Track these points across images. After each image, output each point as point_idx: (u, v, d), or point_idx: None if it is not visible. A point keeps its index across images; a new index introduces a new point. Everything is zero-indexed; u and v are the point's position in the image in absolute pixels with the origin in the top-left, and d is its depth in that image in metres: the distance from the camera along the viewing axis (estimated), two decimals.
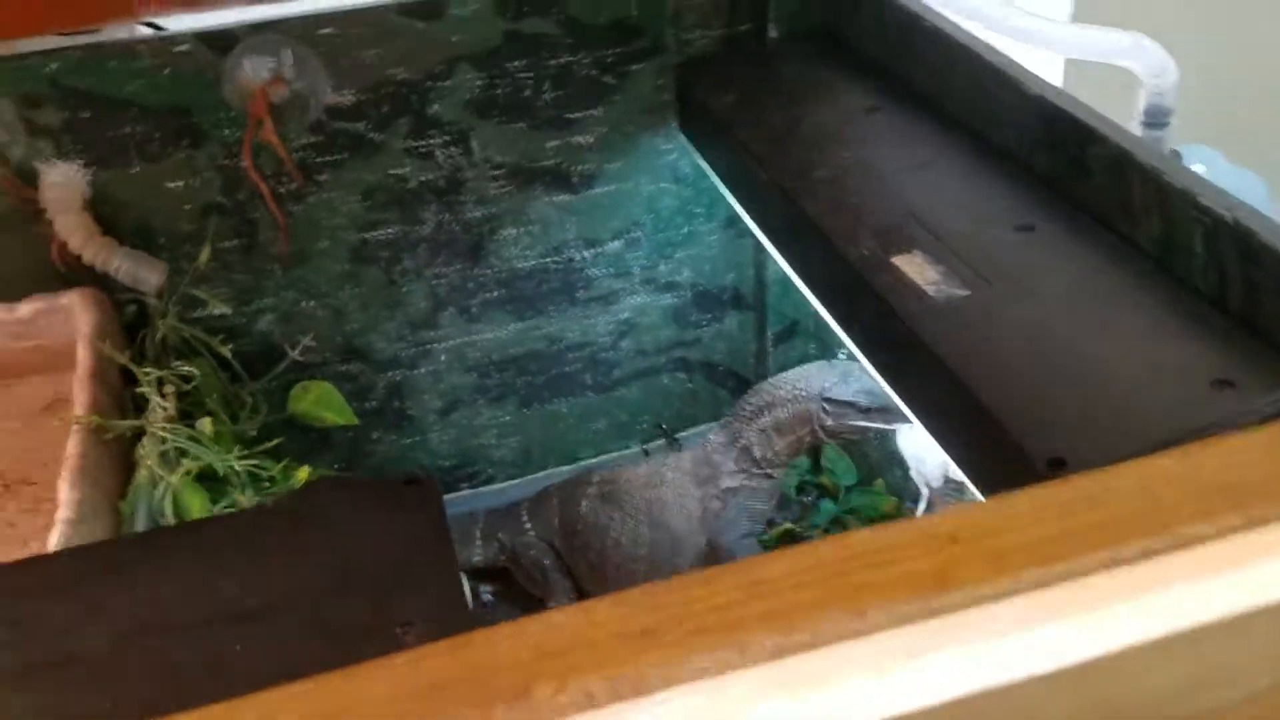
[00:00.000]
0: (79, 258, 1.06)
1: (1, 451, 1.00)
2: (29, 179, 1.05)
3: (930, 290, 0.70)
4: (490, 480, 1.44)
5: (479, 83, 1.13)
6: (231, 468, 0.90)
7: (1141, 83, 1.31)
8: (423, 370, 1.32)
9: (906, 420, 1.07)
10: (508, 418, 1.40)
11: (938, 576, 0.46)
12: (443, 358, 1.32)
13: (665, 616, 0.44)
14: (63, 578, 0.50)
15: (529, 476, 1.43)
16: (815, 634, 0.43)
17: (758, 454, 1.16)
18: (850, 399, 1.11)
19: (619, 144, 1.22)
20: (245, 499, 0.88)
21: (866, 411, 1.10)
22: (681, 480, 1.17)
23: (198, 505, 0.87)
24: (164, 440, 0.89)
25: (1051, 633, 0.43)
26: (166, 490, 0.85)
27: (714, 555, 1.18)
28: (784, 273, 1.33)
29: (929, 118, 0.91)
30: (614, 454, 1.45)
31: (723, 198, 1.29)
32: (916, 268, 0.73)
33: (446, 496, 1.42)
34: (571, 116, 1.18)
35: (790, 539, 1.26)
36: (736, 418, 1.19)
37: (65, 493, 0.84)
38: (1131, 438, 0.58)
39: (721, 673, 0.43)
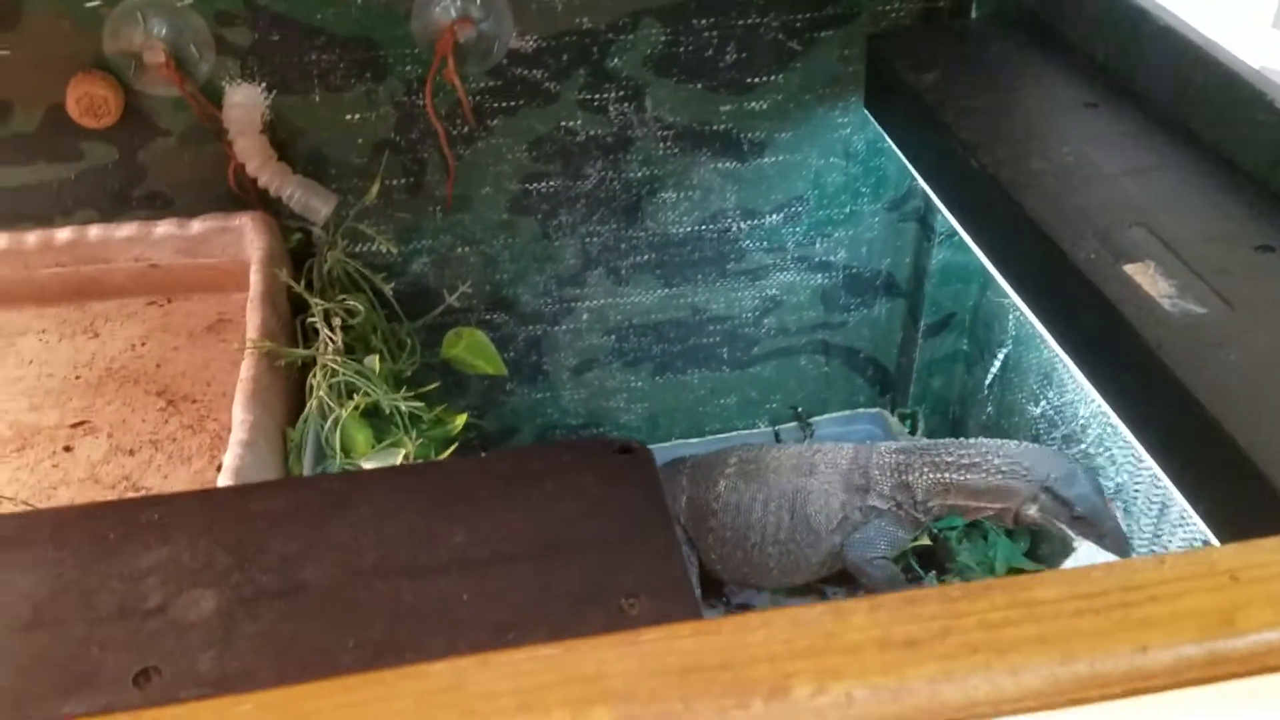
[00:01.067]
0: (254, 181, 1.07)
1: (165, 368, 1.01)
2: (214, 97, 1.05)
3: (1165, 304, 0.66)
4: None
5: (663, 38, 1.11)
6: (397, 407, 0.90)
7: None
8: (564, 327, 1.31)
9: (1099, 541, 1.02)
10: (640, 383, 1.38)
11: (1223, 618, 0.42)
12: (585, 317, 1.31)
13: (931, 628, 0.42)
14: (284, 508, 0.50)
15: (654, 446, 1.42)
16: (1095, 665, 0.40)
17: (920, 497, 1.10)
18: (1071, 499, 1.03)
19: (794, 114, 1.18)
20: (409, 441, 0.88)
21: (1076, 519, 1.03)
22: (831, 477, 1.13)
23: (362, 440, 0.87)
24: (335, 373, 0.89)
25: None
26: (336, 423, 0.85)
27: (839, 562, 1.15)
28: (946, 261, 1.29)
29: (1153, 120, 0.86)
30: (741, 432, 1.43)
31: (890, 178, 1.25)
32: (1149, 278, 0.69)
33: None
34: (751, 81, 1.15)
35: (928, 544, 1.22)
36: (921, 453, 1.12)
37: (239, 415, 0.84)
38: None
39: (993, 695, 0.40)
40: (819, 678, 0.41)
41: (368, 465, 0.85)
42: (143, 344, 1.03)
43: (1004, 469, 1.08)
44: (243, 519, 0.49)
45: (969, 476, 1.09)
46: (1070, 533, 1.05)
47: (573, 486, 0.52)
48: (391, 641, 0.43)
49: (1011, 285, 0.81)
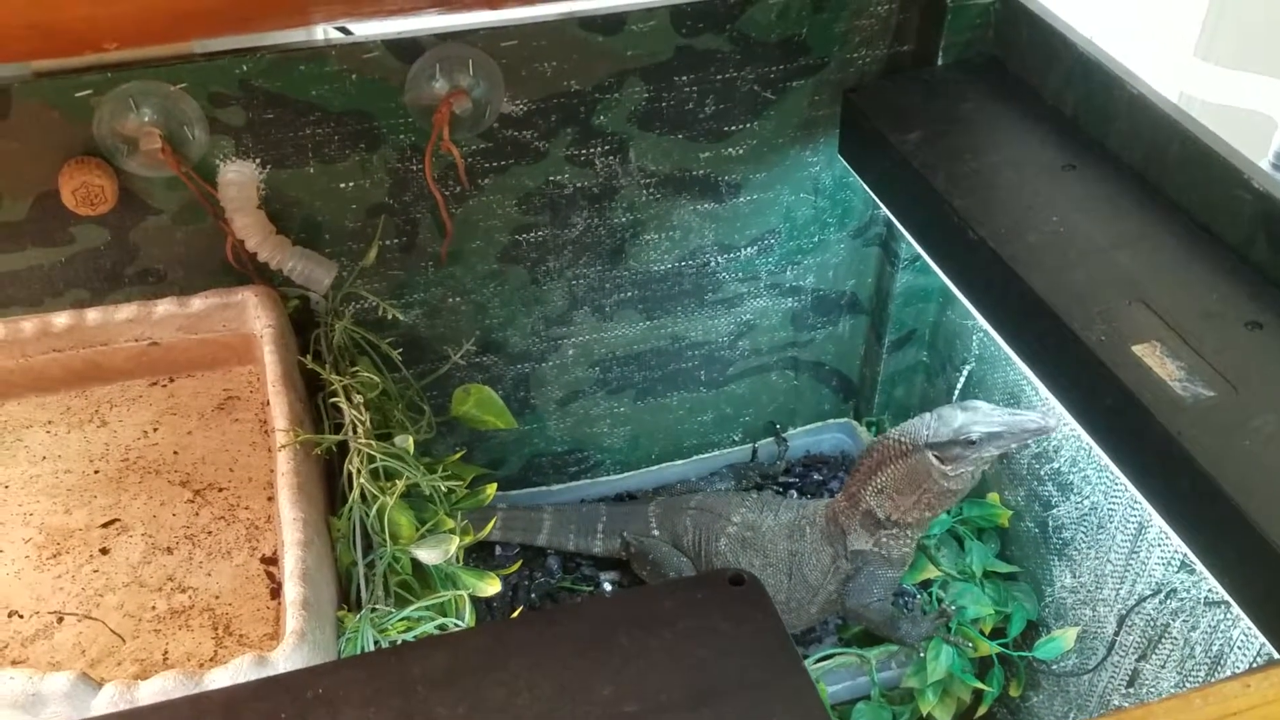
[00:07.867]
0: (253, 255, 1.07)
1: (183, 454, 1.01)
2: (206, 174, 1.05)
3: (1176, 387, 0.74)
4: (598, 465, 1.47)
5: (646, 95, 1.14)
6: (436, 487, 0.93)
7: (1278, 125, 1.34)
8: (550, 363, 1.34)
9: (1018, 440, 1.07)
10: (622, 409, 1.42)
11: None
12: (570, 352, 1.34)
13: None
14: (439, 669, 0.53)
15: (636, 470, 1.47)
16: None
17: (881, 515, 1.13)
18: (952, 437, 1.06)
19: (768, 157, 1.23)
20: (453, 523, 0.91)
21: (975, 444, 1.04)
22: (815, 535, 1.19)
23: (406, 523, 0.90)
24: (372, 459, 0.91)
25: None
26: (381, 511, 0.88)
27: (840, 607, 1.21)
28: (908, 284, 1.36)
29: (1130, 185, 0.93)
30: (721, 451, 1.49)
31: (855, 209, 1.31)
32: (1157, 359, 0.76)
33: (560, 485, 1.46)
34: (728, 129, 1.19)
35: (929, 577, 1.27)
36: (853, 479, 1.16)
37: (289, 513, 0.86)
38: None
39: None
40: None
41: (420, 554, 0.88)
42: (155, 429, 1.03)
43: (898, 453, 1.09)
44: (403, 685, 0.52)
45: (887, 473, 1.11)
46: (989, 454, 1.04)
47: (701, 625, 0.56)
48: None
49: (1023, 358, 0.87)
